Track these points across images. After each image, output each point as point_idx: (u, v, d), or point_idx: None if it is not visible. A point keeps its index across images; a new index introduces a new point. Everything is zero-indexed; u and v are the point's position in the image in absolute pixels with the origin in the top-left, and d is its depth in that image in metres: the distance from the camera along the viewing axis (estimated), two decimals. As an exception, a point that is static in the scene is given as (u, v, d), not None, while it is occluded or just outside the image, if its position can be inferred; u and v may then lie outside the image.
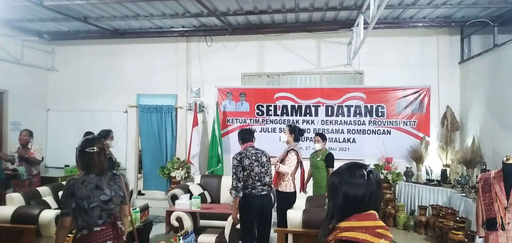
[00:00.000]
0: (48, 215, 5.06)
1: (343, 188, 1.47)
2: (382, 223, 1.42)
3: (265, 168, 4.74)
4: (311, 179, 6.04)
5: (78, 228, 2.94)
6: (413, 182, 7.15)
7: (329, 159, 5.79)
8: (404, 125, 7.65)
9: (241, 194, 4.54)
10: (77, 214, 2.88)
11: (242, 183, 4.54)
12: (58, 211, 5.28)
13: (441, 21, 7.21)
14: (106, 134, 5.82)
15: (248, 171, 4.57)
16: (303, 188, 5.82)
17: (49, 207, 5.47)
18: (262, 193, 4.66)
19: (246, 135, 4.85)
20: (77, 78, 8.88)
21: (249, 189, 4.58)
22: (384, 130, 7.69)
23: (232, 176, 4.59)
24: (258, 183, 4.61)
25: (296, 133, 5.43)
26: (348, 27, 7.33)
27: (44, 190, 5.87)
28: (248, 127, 6.45)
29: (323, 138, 6.05)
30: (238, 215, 4.70)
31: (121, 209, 3.17)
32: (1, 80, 7.70)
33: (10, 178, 6.66)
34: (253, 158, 4.64)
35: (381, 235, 1.37)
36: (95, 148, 2.95)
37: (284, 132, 5.48)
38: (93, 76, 8.80)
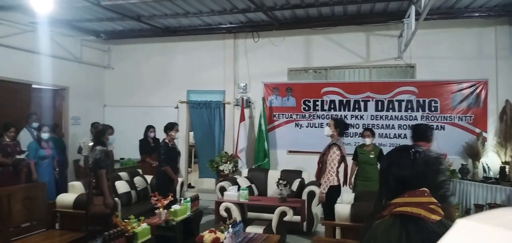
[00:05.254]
0: (105, 202, 5.35)
1: (392, 169, 1.54)
2: (434, 200, 1.44)
3: None
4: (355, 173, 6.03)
5: None
6: (469, 180, 6.81)
7: (382, 156, 5.78)
8: (459, 120, 7.30)
9: None
10: None
11: None
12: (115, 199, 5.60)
13: (500, 10, 6.80)
14: (171, 126, 6.10)
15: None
16: (346, 183, 5.76)
17: (106, 195, 5.79)
18: None
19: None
20: (131, 75, 9.31)
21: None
22: (437, 126, 7.37)
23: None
24: None
25: (341, 127, 5.30)
26: (398, 18, 7.08)
27: (101, 180, 6.22)
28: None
29: (373, 133, 6.06)
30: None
31: None
32: (63, 77, 8.23)
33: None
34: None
35: (434, 210, 1.40)
36: None
37: (329, 125, 5.34)
38: (146, 73, 9.18)
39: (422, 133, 3.92)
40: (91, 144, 6.54)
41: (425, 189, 1.47)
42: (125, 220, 4.18)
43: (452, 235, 0.72)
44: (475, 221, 0.71)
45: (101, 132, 4.85)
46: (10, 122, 6.32)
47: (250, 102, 8.50)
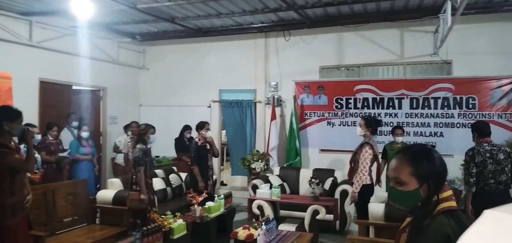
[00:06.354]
0: (142, 198, 5.53)
1: (441, 168, 1.63)
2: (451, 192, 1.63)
3: None
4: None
5: None
6: (510, 179, 6.57)
7: None
8: (498, 118, 7.04)
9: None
10: None
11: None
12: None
13: (544, 2, 6.52)
14: (202, 125, 6.24)
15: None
16: (378, 181, 5.69)
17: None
18: None
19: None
20: (165, 75, 9.54)
21: None
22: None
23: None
24: None
25: (373, 126, 5.22)
26: (434, 14, 6.92)
27: (138, 177, 6.44)
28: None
29: (404, 131, 6.19)
30: None
31: None
32: (101, 78, 8.55)
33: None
34: None
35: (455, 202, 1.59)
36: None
37: (360, 125, 5.27)
38: (180, 73, 9.38)
39: (488, 129, 4.40)
40: (130, 142, 6.82)
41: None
42: (162, 216, 4.32)
43: (480, 224, 0.75)
44: (501, 211, 0.74)
45: (143, 131, 5.08)
46: (53, 122, 6.63)
47: (281, 100, 8.52)
